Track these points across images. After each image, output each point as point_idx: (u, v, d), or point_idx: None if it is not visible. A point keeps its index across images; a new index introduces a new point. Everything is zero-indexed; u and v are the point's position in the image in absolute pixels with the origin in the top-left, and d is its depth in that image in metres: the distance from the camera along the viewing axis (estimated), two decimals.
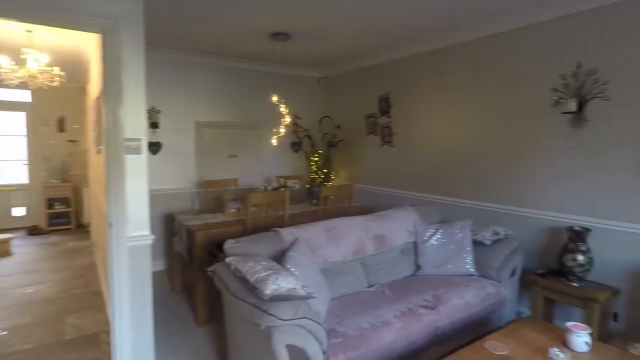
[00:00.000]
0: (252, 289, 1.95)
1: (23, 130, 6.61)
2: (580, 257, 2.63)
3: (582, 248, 2.65)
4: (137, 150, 2.19)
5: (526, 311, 3.16)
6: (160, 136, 4.46)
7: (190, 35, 3.79)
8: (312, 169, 5.27)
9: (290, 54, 4.41)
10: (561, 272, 2.74)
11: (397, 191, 4.46)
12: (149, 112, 4.31)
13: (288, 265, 2.19)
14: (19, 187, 6.71)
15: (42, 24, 2.05)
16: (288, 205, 3.50)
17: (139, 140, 2.20)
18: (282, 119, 3.86)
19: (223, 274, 2.25)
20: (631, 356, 1.99)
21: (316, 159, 5.25)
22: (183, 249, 3.48)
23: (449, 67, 3.81)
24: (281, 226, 3.49)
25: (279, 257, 2.42)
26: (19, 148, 6.64)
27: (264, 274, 1.98)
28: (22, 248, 5.59)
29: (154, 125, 4.38)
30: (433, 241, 3.13)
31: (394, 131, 4.50)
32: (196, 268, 3.20)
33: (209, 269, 2.41)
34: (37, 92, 6.39)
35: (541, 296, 2.81)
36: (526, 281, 2.95)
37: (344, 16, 3.24)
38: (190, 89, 4.63)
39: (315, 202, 4.35)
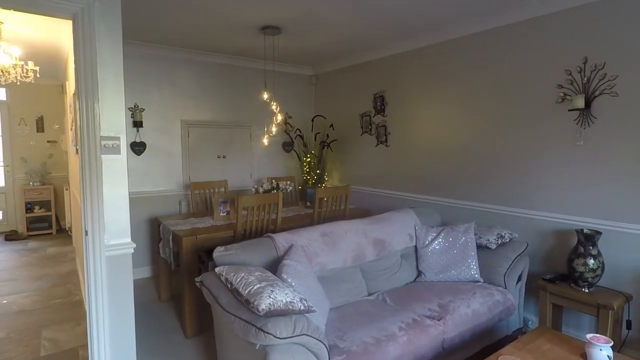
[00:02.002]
0: (246, 302, 1.75)
1: None
2: (591, 262, 2.50)
3: (593, 252, 2.51)
4: (115, 150, 1.98)
5: (533, 318, 3.03)
6: (144, 136, 4.22)
7: (175, 28, 3.57)
8: (305, 170, 5.09)
9: (281, 50, 4.22)
10: (571, 277, 2.61)
11: (394, 192, 4.30)
12: (131, 110, 4.08)
13: (284, 275, 2.00)
14: None
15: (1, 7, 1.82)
16: (281, 208, 3.31)
17: (117, 138, 1.99)
18: (273, 118, 3.66)
19: (212, 286, 2.05)
20: None
21: (309, 159, 5.07)
22: (169, 255, 3.25)
23: (447, 63, 3.67)
24: (274, 231, 3.30)
25: (274, 266, 2.23)
26: None
27: (258, 286, 1.79)
28: None
29: (137, 124, 4.14)
30: (435, 245, 2.97)
31: (390, 130, 4.34)
32: (183, 276, 2.99)
33: (197, 279, 2.21)
34: (13, 90, 6.08)
35: (549, 303, 2.67)
36: (533, 287, 2.81)
37: (336, 9, 3.06)
38: (176, 85, 4.41)
39: (309, 205, 4.16)
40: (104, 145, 1.95)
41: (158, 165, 4.35)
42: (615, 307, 2.36)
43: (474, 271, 2.80)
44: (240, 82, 4.84)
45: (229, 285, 1.92)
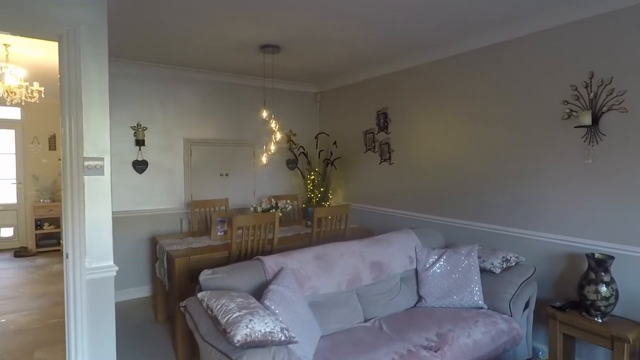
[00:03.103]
0: (223, 332, 1.66)
1: (12, 148, 6.43)
2: (604, 289, 2.32)
3: (605, 278, 2.34)
4: (98, 171, 1.94)
5: (544, 348, 2.83)
6: (146, 154, 4.24)
7: (176, 48, 3.60)
8: (309, 188, 5.01)
9: (282, 68, 4.21)
10: (582, 305, 2.43)
11: (397, 211, 4.18)
12: (134, 129, 4.11)
13: (267, 302, 1.91)
14: (7, 207, 6.49)
15: None
16: (278, 228, 3.23)
17: (101, 159, 1.96)
18: (272, 136, 3.62)
19: (194, 311, 1.97)
20: None
21: (312, 177, 5.00)
22: (164, 276, 3.20)
23: (450, 79, 3.58)
24: (270, 251, 3.21)
25: (261, 291, 2.14)
26: (8, 167, 6.45)
27: (237, 314, 1.70)
28: (5, 271, 5.32)
29: (139, 142, 4.16)
30: (436, 269, 2.83)
31: (393, 148, 4.25)
32: (176, 298, 2.91)
33: (182, 303, 2.13)
34: (27, 109, 6.24)
35: (560, 332, 2.48)
36: (542, 314, 2.63)
37: (333, 27, 3.03)
38: (179, 104, 4.43)
39: (309, 224, 4.07)
40: (87, 167, 1.92)
41: (160, 183, 4.34)
42: (631, 340, 2.17)
43: (477, 297, 2.65)
44: (243, 100, 4.85)
45: (210, 312, 1.84)
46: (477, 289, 2.67)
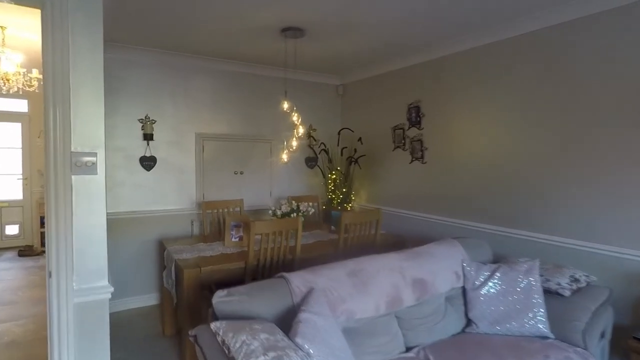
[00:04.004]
0: None
1: (18, 142, 6.15)
2: None
3: None
4: (90, 169, 1.57)
5: None
6: (155, 150, 3.87)
7: (186, 32, 3.22)
8: (330, 188, 4.61)
9: (304, 56, 3.80)
10: None
11: (429, 216, 3.75)
12: (141, 122, 3.74)
13: (299, 340, 1.51)
14: (12, 203, 6.23)
15: None
16: (300, 236, 2.83)
17: (93, 155, 1.58)
18: (294, 131, 3.22)
19: (206, 346, 1.58)
20: None
21: (334, 176, 4.59)
22: (172, 287, 2.83)
23: (500, 67, 3.13)
24: (292, 261, 2.82)
25: (288, 317, 1.74)
26: (14, 161, 6.19)
27: (262, 359, 1.30)
28: (7, 272, 5.04)
29: (147, 137, 3.80)
30: (489, 288, 2.40)
31: (427, 145, 3.81)
32: (184, 314, 2.54)
33: (191, 332, 1.74)
34: (33, 101, 5.95)
35: None
36: (620, 346, 2.18)
37: (367, 5, 2.61)
38: (191, 96, 4.06)
39: (333, 229, 3.66)
40: (75, 164, 1.54)
41: (169, 181, 3.98)
42: None
43: (541, 324, 2.21)
44: (260, 92, 4.46)
45: (226, 351, 1.45)
46: (540, 314, 2.23)
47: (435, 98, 3.71)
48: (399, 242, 3.45)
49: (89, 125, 1.57)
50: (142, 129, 3.79)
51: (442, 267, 2.48)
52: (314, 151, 4.81)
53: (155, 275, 3.93)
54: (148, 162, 3.84)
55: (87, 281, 1.59)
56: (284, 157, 3.28)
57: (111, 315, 3.82)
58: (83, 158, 1.55)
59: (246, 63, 4.25)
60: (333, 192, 4.59)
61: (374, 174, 4.50)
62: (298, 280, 1.96)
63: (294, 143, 3.16)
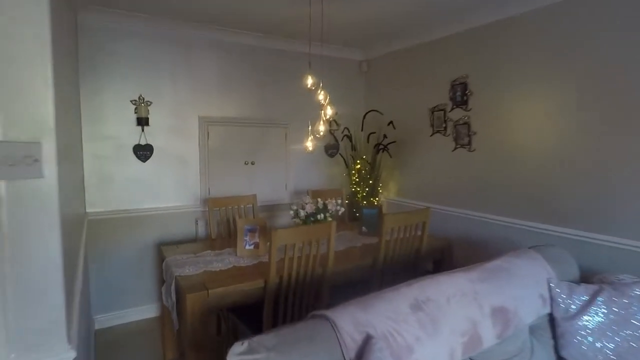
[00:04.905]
0: None
1: None
2: None
3: None
4: (30, 170, 0.97)
5: None
6: (151, 137, 3.28)
7: None
8: (354, 180, 4.01)
9: (331, 20, 3.14)
10: None
11: (480, 215, 3.14)
12: (134, 104, 3.14)
13: None
14: None
15: None
16: (333, 244, 2.24)
17: (35, 145, 0.98)
18: (321, 113, 2.60)
19: None
20: None
21: (359, 166, 3.99)
22: (172, 309, 2.26)
23: (576, 31, 2.47)
24: (322, 277, 2.24)
25: None
26: None
27: None
28: None
29: (142, 121, 3.20)
30: (590, 318, 1.80)
31: (475, 129, 3.18)
32: (187, 342, 1.98)
33: None
34: None
35: None
36: None
37: None
38: (194, 72, 3.44)
39: (365, 231, 3.07)
40: (5, 160, 0.94)
41: (169, 174, 3.39)
42: None
43: None
44: (275, 68, 3.82)
45: None
46: None
47: (487, 72, 3.06)
48: (446, 247, 2.86)
49: (25, 98, 0.97)
50: (135, 112, 3.18)
51: (525, 289, 1.89)
52: (334, 137, 4.19)
53: (154, 282, 3.38)
54: (143, 152, 3.25)
55: (32, 350, 1.01)
56: (309, 145, 2.67)
57: (105, 331, 3.30)
58: (16, 152, 0.95)
59: (258, 34, 3.62)
60: (357, 184, 3.99)
61: (406, 163, 3.88)
62: (348, 325, 1.37)
63: (321, 128, 2.54)
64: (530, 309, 1.86)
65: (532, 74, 2.74)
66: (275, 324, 2.16)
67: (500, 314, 1.75)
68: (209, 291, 1.97)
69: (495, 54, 2.99)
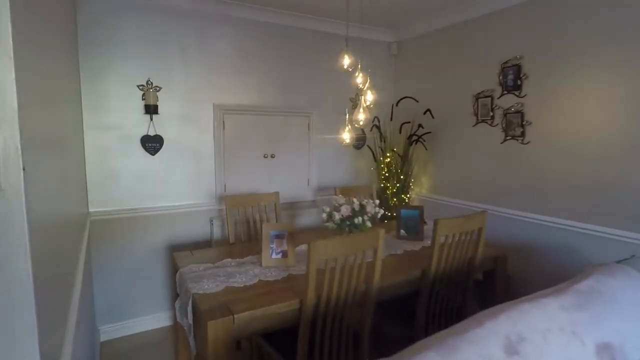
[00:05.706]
0: None
1: None
2: None
3: None
4: None
5: None
6: (161, 127, 2.92)
7: None
8: (383, 175, 3.63)
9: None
10: None
11: (533, 216, 2.75)
12: (142, 89, 2.78)
13: None
14: None
15: None
16: (381, 256, 1.87)
17: None
18: (360, 98, 2.21)
19: None
20: None
21: (388, 159, 3.61)
22: (189, 330, 1.92)
23: None
24: (365, 295, 1.88)
25: None
26: None
27: None
28: None
29: (150, 109, 2.83)
30: None
31: (530, 118, 2.77)
32: None
33: None
34: None
35: None
36: None
37: None
38: (208, 55, 3.05)
39: (403, 234, 2.69)
40: None
41: (180, 168, 3.04)
42: None
43: None
44: (299, 50, 3.43)
45: None
46: None
47: (544, 53, 2.64)
48: (500, 256, 2.48)
49: None
50: (142, 99, 2.82)
51: (629, 319, 1.51)
52: (361, 128, 3.80)
53: (165, 289, 3.05)
54: (152, 144, 2.89)
55: None
56: (345, 137, 2.28)
57: (111, 344, 2.96)
58: None
59: (282, 11, 3.21)
60: (387, 179, 3.61)
61: (442, 157, 3.48)
62: None
63: (361, 116, 2.15)
64: (637, 343, 1.49)
65: (608, 55, 2.32)
66: (311, 350, 1.81)
67: (606, 352, 1.38)
68: (234, 317, 1.62)
69: (556, 32, 2.56)
